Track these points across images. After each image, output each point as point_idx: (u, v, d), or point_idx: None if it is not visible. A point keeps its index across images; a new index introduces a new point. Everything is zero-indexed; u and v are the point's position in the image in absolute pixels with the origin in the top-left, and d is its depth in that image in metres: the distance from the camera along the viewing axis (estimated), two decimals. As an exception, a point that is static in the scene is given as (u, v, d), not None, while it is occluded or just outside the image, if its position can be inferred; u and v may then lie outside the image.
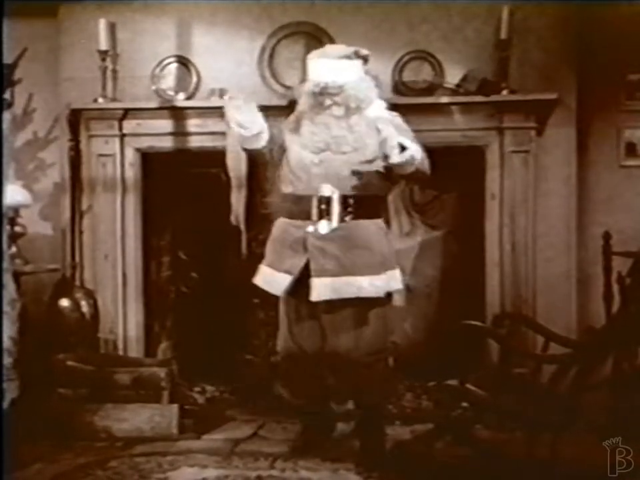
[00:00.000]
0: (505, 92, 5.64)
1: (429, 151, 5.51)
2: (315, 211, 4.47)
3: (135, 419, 5.06)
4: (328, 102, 4.50)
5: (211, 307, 6.08)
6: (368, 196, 4.52)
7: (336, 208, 4.46)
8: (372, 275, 4.48)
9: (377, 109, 4.64)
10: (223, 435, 5.13)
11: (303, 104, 4.61)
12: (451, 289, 6.01)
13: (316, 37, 5.73)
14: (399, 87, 5.81)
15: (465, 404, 4.52)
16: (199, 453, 4.77)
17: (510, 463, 4.10)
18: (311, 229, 4.47)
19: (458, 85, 5.74)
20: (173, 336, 6.22)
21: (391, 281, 4.56)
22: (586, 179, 5.89)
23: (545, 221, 5.73)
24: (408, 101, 5.72)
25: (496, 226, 5.76)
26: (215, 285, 6.16)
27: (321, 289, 4.42)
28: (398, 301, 5.93)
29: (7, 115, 5.27)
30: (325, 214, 4.46)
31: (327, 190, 4.45)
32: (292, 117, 4.71)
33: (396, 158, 4.21)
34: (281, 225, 4.65)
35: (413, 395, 5.65)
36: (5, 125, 4.97)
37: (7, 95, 5.44)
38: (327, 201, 4.46)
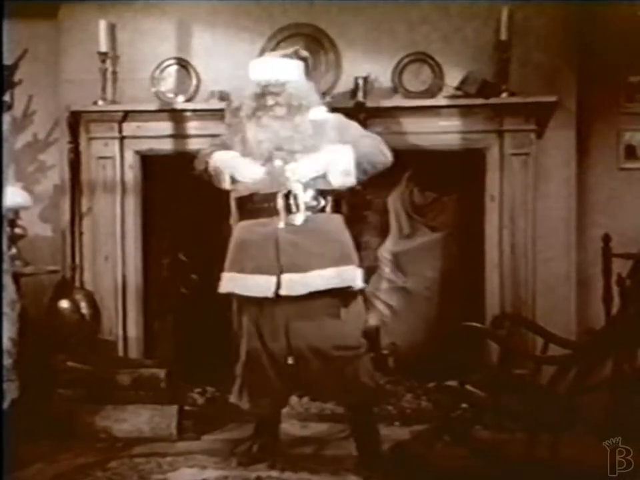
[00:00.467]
0: (504, 94, 5.63)
1: (430, 152, 5.55)
2: (282, 207, 4.49)
3: (134, 419, 5.07)
4: (270, 102, 4.53)
5: (211, 308, 6.07)
6: (328, 190, 4.57)
7: (302, 201, 4.49)
8: (339, 266, 4.52)
9: (320, 112, 4.69)
10: (223, 435, 5.14)
11: (245, 110, 4.60)
12: (451, 290, 6.02)
13: (316, 39, 5.73)
14: (399, 89, 5.81)
15: (464, 405, 4.51)
16: (199, 453, 4.79)
17: (510, 464, 4.10)
18: (281, 224, 4.49)
19: (458, 88, 5.73)
20: (173, 337, 6.23)
21: (356, 278, 4.60)
22: (586, 181, 5.89)
23: (545, 223, 5.73)
24: (408, 104, 5.73)
25: (496, 228, 5.75)
26: (214, 286, 6.14)
27: (291, 284, 4.43)
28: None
29: (6, 117, 5.27)
30: (292, 208, 4.49)
31: (290, 186, 4.49)
32: (235, 128, 4.70)
33: (335, 182, 4.53)
34: (244, 227, 4.62)
35: (413, 395, 5.64)
36: (5, 127, 4.97)
37: (6, 97, 5.44)
38: (294, 195, 4.49)
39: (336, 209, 4.62)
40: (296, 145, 4.49)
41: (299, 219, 4.49)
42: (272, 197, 4.50)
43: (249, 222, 4.60)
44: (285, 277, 4.44)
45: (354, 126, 4.73)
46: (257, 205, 4.55)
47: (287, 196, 4.48)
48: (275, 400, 4.72)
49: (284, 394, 4.78)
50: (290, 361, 4.58)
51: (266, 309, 4.54)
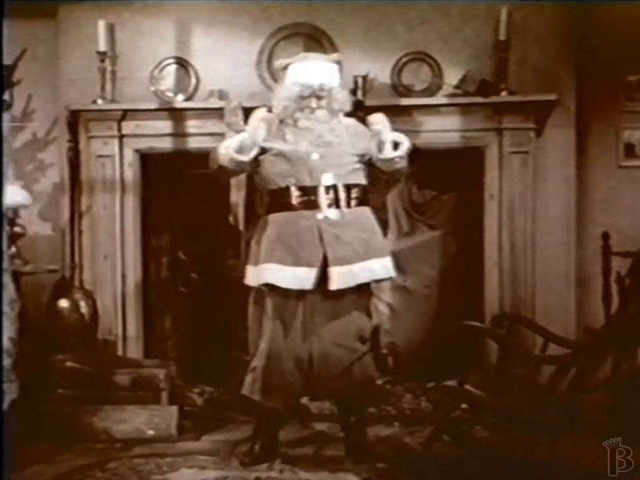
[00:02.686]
0: (503, 93, 5.65)
1: (429, 151, 5.53)
2: (321, 200, 4.51)
3: (134, 420, 5.06)
4: (314, 104, 4.58)
5: (210, 308, 6.08)
6: (363, 185, 4.63)
7: (342, 195, 4.53)
8: (381, 258, 4.59)
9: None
10: (222, 436, 5.12)
11: (284, 109, 4.62)
12: (450, 289, 6.01)
13: (315, 38, 5.73)
14: (398, 88, 5.81)
15: (464, 405, 4.51)
16: (198, 454, 4.78)
17: (510, 464, 4.10)
18: (321, 216, 4.51)
19: (457, 86, 5.74)
20: (172, 337, 6.23)
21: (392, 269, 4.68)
22: (585, 179, 5.90)
23: (544, 221, 5.74)
24: (407, 102, 5.73)
25: (495, 226, 5.77)
26: (214, 285, 6.16)
27: (339, 277, 4.45)
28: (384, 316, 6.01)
29: (6, 116, 5.26)
30: (331, 202, 4.51)
31: (329, 179, 4.52)
32: (274, 124, 4.69)
33: (389, 154, 4.47)
34: (280, 219, 4.59)
35: (412, 396, 5.65)
36: (5, 126, 4.96)
37: (6, 96, 5.43)
38: (334, 189, 4.52)
39: (361, 201, 4.64)
40: (335, 139, 4.58)
41: (338, 212, 4.52)
42: (312, 190, 4.53)
43: (285, 214, 4.58)
44: (334, 271, 4.45)
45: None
46: (297, 197, 4.55)
47: (327, 189, 4.52)
48: (293, 396, 4.71)
49: (302, 391, 4.77)
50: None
51: (292, 305, 4.54)
